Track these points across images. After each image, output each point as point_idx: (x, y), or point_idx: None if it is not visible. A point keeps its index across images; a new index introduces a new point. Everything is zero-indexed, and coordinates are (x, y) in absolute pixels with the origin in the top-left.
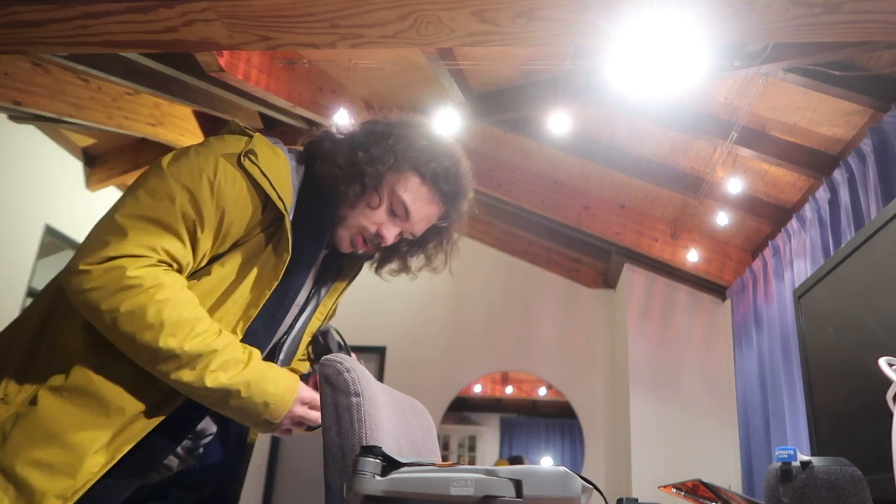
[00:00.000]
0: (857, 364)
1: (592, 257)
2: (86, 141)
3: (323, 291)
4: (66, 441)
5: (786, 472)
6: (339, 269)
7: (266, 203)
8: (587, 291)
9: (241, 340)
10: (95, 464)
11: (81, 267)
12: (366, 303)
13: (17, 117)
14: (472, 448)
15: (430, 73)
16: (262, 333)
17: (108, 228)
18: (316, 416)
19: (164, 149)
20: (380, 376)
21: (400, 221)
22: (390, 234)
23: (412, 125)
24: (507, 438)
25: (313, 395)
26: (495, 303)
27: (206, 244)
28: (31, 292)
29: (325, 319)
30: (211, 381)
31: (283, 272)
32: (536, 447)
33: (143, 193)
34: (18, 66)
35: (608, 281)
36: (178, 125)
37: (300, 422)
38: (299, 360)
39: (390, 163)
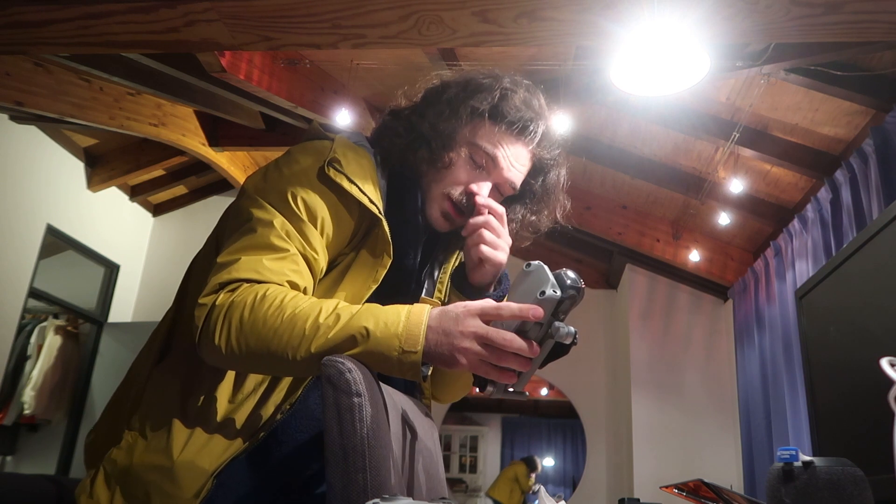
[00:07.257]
0: (858, 364)
1: (594, 257)
2: (87, 141)
3: (436, 274)
4: None
5: (788, 473)
6: (446, 245)
7: (360, 209)
8: (589, 292)
9: None
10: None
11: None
12: None
13: (19, 118)
14: (473, 448)
15: (431, 73)
16: None
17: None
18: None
19: (165, 149)
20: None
21: (488, 173)
22: (482, 190)
23: (468, 73)
24: (508, 438)
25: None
26: None
27: (322, 262)
28: (32, 292)
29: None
30: None
31: (382, 275)
32: (538, 447)
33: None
34: (20, 66)
35: (610, 281)
36: (179, 125)
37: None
38: None
39: (446, 114)
